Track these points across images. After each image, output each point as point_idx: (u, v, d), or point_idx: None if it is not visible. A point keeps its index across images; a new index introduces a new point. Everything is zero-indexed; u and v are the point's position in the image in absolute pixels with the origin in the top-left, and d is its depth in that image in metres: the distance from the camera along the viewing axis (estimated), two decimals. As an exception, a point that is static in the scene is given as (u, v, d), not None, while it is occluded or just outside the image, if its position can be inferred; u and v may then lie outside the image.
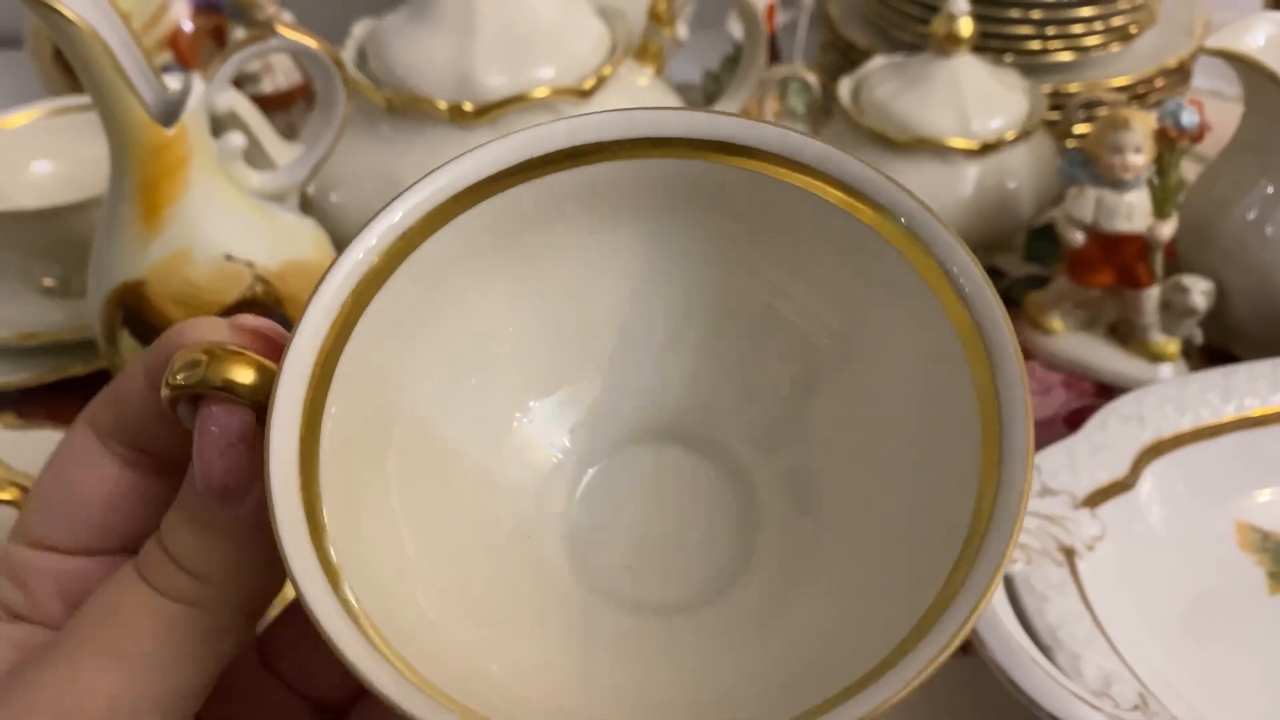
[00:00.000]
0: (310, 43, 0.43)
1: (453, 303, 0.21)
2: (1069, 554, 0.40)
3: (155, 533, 0.20)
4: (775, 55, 0.74)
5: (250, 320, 0.20)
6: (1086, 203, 0.53)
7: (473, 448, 0.21)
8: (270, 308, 0.45)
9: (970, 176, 0.59)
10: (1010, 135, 0.58)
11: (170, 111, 0.42)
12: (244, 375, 0.18)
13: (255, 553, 0.19)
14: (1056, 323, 0.57)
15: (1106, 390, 0.55)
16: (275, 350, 0.19)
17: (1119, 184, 0.52)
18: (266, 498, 0.17)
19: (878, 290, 0.19)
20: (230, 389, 0.18)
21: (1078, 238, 0.53)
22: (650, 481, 0.21)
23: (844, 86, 0.62)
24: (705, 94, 0.76)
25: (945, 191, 0.58)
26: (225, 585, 0.19)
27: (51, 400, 0.54)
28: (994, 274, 0.64)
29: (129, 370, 0.21)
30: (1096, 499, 0.42)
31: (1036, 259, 0.65)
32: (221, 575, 0.19)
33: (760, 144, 0.20)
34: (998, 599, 0.36)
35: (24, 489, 0.39)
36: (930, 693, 0.41)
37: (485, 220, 0.20)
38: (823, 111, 0.64)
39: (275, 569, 0.19)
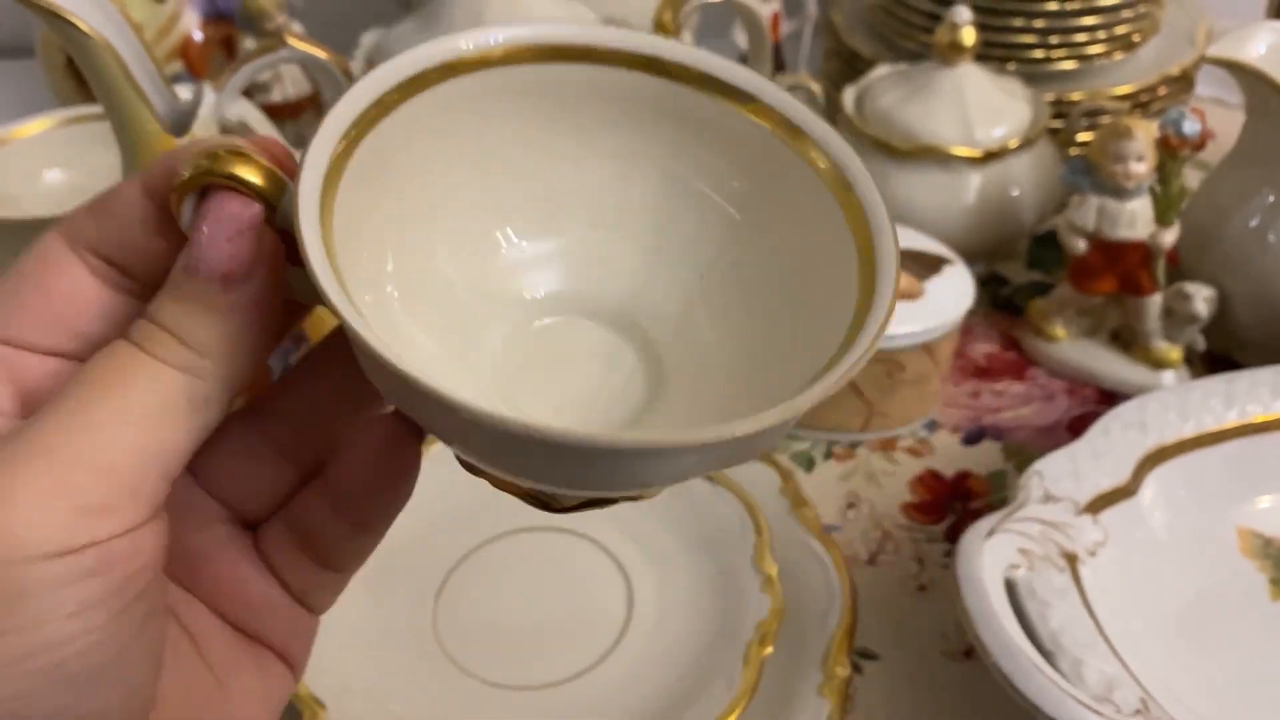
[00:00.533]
0: (320, 53, 0.43)
1: (433, 151, 0.23)
2: (1071, 560, 0.40)
3: (143, 314, 0.21)
4: (780, 64, 0.74)
5: (258, 137, 0.22)
6: (1089, 210, 0.53)
7: (455, 250, 0.24)
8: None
9: (973, 184, 0.59)
10: (1013, 143, 0.58)
11: (182, 121, 0.42)
12: (252, 173, 0.20)
13: (248, 331, 0.21)
14: (1059, 330, 0.57)
15: (1109, 397, 0.56)
16: (279, 162, 0.21)
17: (1121, 192, 0.52)
18: (300, 240, 0.19)
19: (771, 165, 0.23)
20: (238, 182, 0.20)
21: (1080, 245, 0.54)
22: (582, 351, 0.24)
23: (848, 95, 0.62)
24: (710, 102, 0.76)
25: (948, 199, 0.59)
26: (220, 358, 0.20)
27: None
28: (997, 281, 0.64)
29: (120, 185, 0.21)
30: (1099, 505, 0.43)
31: (1039, 266, 0.66)
32: (218, 349, 0.20)
33: (678, 59, 0.23)
34: (999, 604, 0.36)
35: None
36: (931, 696, 0.42)
37: (471, 88, 0.23)
38: (827, 119, 0.64)
39: (261, 347, 0.21)
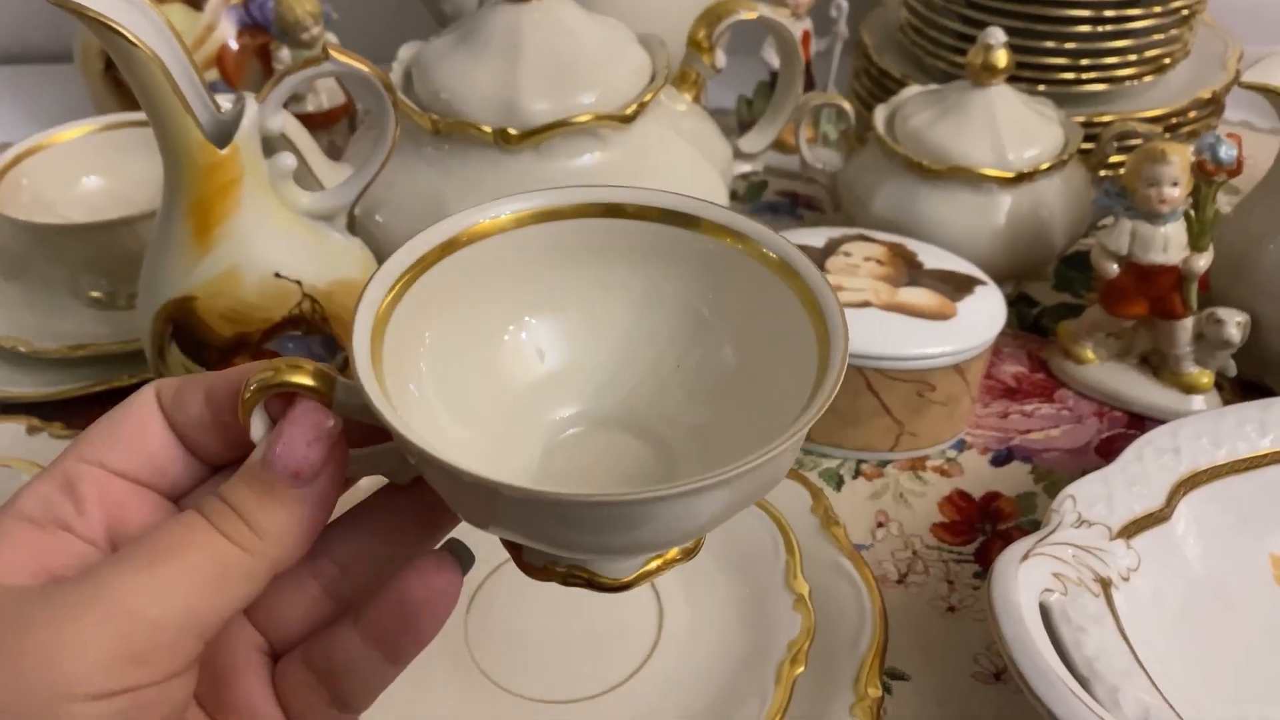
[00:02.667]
0: (362, 67, 0.44)
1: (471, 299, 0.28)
2: (1105, 585, 0.40)
3: (214, 492, 0.23)
4: (809, 82, 0.74)
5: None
6: (1122, 234, 0.53)
7: (490, 379, 0.29)
8: (317, 325, 0.46)
9: (1004, 206, 0.59)
10: (1044, 165, 0.58)
11: (224, 132, 0.43)
12: (307, 378, 0.24)
13: (305, 523, 0.24)
14: (1089, 352, 0.57)
15: (1139, 420, 0.56)
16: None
17: (1155, 216, 0.52)
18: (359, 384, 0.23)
19: (730, 267, 0.28)
20: (297, 387, 0.24)
21: (1112, 268, 0.54)
22: (600, 450, 0.29)
23: (879, 114, 0.62)
24: (739, 120, 0.76)
25: (978, 220, 0.59)
26: (275, 542, 0.23)
27: (97, 410, 0.54)
28: (1025, 302, 0.64)
29: (186, 383, 0.25)
30: (1132, 530, 0.43)
31: (1067, 288, 0.66)
32: (274, 532, 0.23)
33: (637, 202, 0.29)
34: (1035, 629, 0.36)
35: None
36: (961, 719, 0.42)
37: (493, 244, 0.28)
38: (856, 139, 0.64)
39: (312, 535, 0.24)
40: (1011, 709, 0.42)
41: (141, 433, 0.24)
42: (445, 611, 0.24)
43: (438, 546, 0.26)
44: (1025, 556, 0.39)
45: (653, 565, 0.27)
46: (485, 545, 0.46)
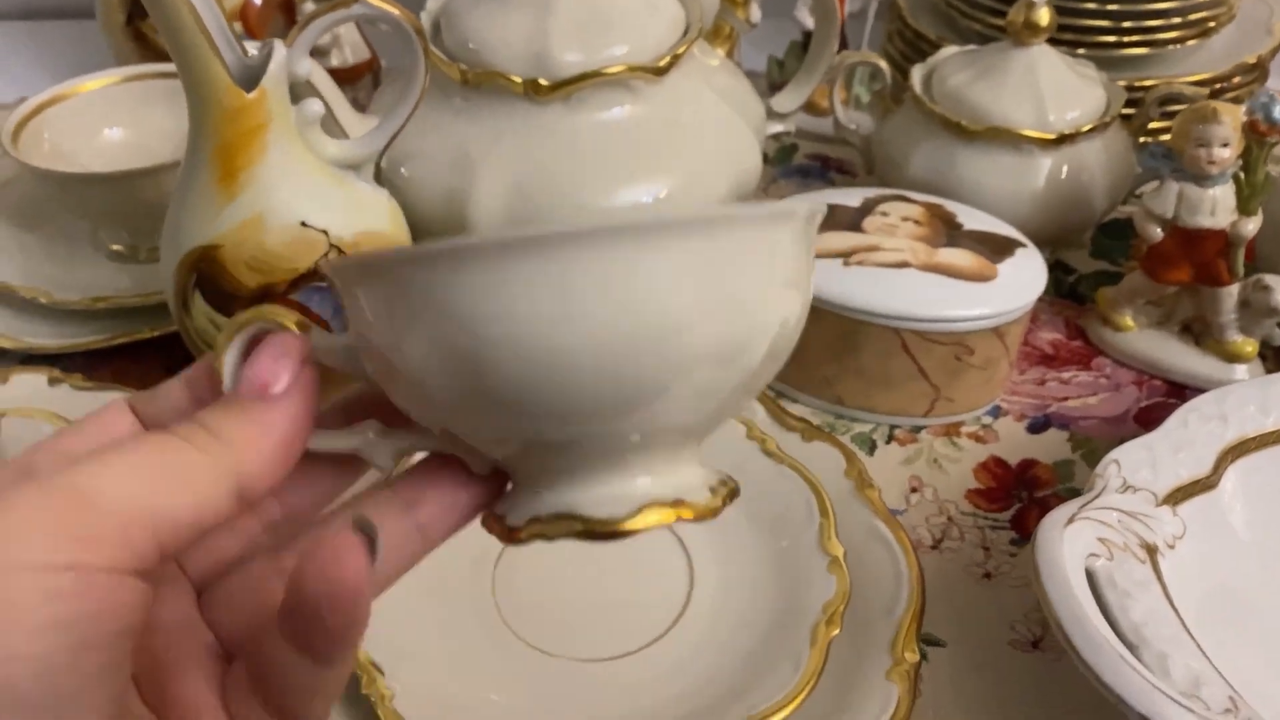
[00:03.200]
0: (394, 10, 0.42)
1: None
2: (1151, 551, 0.39)
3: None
4: (842, 43, 0.73)
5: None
6: (1168, 197, 0.51)
7: None
8: (342, 277, 0.45)
9: (1043, 168, 0.57)
10: (1086, 127, 0.57)
11: (251, 76, 0.42)
12: (289, 319, 0.24)
13: (271, 439, 0.23)
14: (1128, 319, 0.56)
15: (1179, 389, 0.54)
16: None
17: (1203, 178, 0.50)
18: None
19: None
20: (278, 325, 0.24)
21: (1156, 232, 0.52)
22: None
23: (916, 74, 0.61)
24: (770, 81, 0.75)
25: (1017, 183, 0.57)
26: (237, 450, 0.22)
27: (118, 362, 0.54)
28: (1061, 269, 0.63)
29: (167, 382, 0.25)
30: (1178, 497, 0.42)
31: (1104, 256, 0.64)
32: (239, 441, 0.22)
33: None
34: (1082, 593, 0.35)
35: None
36: (998, 686, 0.41)
37: None
38: (891, 99, 0.63)
39: (278, 462, 0.23)
40: (1050, 677, 0.41)
41: (108, 427, 0.24)
42: (352, 605, 0.21)
43: (345, 525, 0.22)
44: (1070, 520, 0.38)
45: (652, 517, 0.22)
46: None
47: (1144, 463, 0.42)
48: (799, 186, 0.70)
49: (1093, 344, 0.57)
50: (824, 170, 0.72)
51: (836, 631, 0.38)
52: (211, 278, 0.44)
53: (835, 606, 0.39)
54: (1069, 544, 0.37)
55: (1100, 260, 0.64)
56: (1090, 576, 0.37)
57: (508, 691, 0.38)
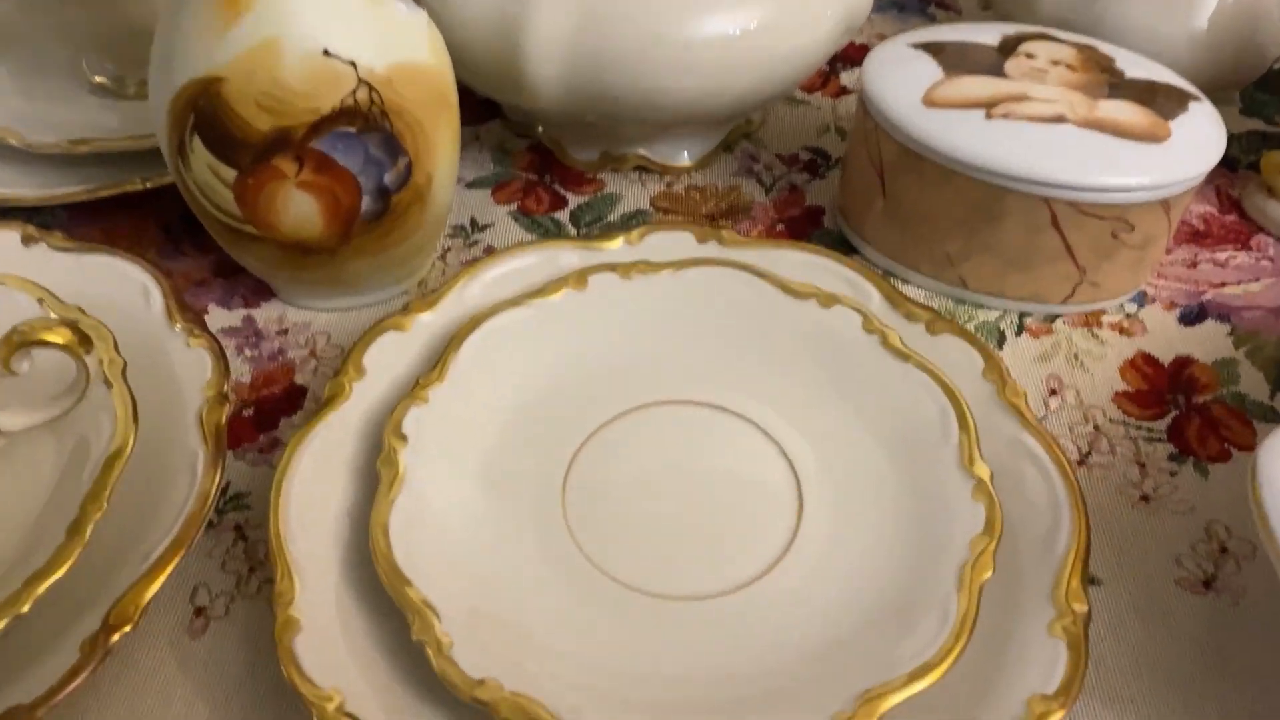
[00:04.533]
0: None
1: None
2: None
3: None
4: None
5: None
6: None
7: None
8: (374, 120, 0.36)
9: (1208, 5, 0.48)
10: (1269, -47, 0.47)
11: None
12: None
13: None
14: (1300, 191, 0.47)
15: (1356, 275, 0.46)
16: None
17: None
18: None
19: None
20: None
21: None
22: None
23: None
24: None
25: (1175, 22, 0.48)
26: None
27: (106, 218, 0.46)
28: (1209, 128, 0.53)
29: None
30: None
31: (1258, 113, 0.55)
32: None
33: None
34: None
35: (76, 329, 0.32)
36: (1167, 633, 0.34)
37: None
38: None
39: None
40: (1226, 622, 0.34)
41: None
42: None
43: None
44: (1289, 448, 0.30)
45: None
46: (588, 403, 0.37)
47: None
48: (895, 22, 0.60)
49: (1251, 219, 0.49)
50: (923, 4, 0.62)
51: (989, 574, 0.31)
52: (213, 119, 0.35)
53: (985, 543, 0.32)
54: (1293, 479, 0.29)
55: (1253, 119, 0.54)
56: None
57: (582, 638, 0.32)
